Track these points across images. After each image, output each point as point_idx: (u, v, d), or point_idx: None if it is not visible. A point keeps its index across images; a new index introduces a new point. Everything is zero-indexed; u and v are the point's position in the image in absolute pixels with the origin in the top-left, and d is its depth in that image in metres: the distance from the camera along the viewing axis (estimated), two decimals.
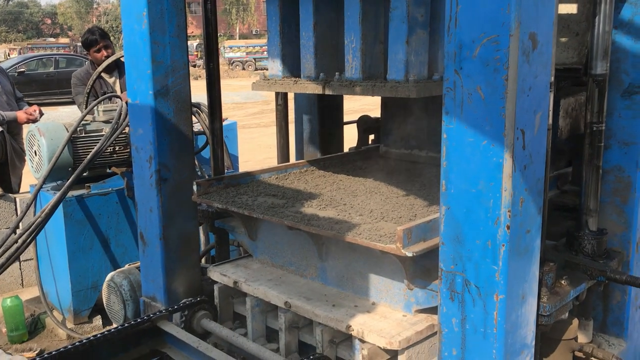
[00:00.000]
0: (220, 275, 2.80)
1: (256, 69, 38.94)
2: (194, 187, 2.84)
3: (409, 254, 2.05)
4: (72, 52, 33.01)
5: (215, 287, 2.82)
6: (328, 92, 2.50)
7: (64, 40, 53.74)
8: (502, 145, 1.67)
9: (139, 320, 2.52)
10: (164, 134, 2.85)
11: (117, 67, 5.35)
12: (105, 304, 3.42)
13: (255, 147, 11.44)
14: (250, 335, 2.65)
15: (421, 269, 2.29)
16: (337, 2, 2.57)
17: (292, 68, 2.80)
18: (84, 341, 2.31)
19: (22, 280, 5.40)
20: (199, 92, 4.14)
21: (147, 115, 2.82)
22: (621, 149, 2.44)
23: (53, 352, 2.20)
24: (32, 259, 4.78)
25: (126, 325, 2.47)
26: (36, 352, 4.33)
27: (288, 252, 2.75)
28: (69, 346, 2.26)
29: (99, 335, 2.36)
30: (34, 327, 4.69)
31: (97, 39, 5.30)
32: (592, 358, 2.27)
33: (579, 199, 2.40)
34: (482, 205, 1.74)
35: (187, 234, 3.01)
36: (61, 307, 4.63)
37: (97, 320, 4.61)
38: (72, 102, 5.82)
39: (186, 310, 2.68)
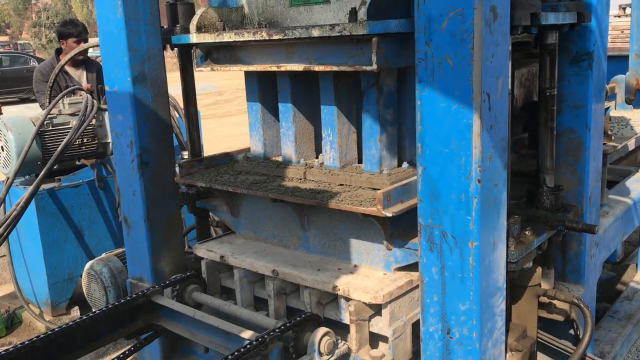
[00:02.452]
0: (207, 251, 2.93)
1: None
2: (177, 169, 2.96)
3: (389, 214, 2.24)
4: (13, 50, 31.90)
5: (202, 263, 2.95)
6: (310, 178, 2.74)
7: (2, 38, 51.78)
8: (471, 107, 1.87)
9: (134, 296, 2.63)
10: (144, 119, 2.94)
11: (83, 63, 5.32)
12: (85, 293, 3.47)
13: (214, 138, 11.44)
14: (240, 305, 2.80)
15: (398, 230, 2.48)
16: (313, 94, 2.81)
17: (273, 148, 3.03)
18: (84, 317, 2.41)
19: None
20: None
21: (126, 101, 2.91)
22: (572, 112, 2.69)
23: (56, 329, 2.30)
24: (5, 255, 4.78)
25: (122, 301, 2.58)
26: None
27: (271, 225, 2.91)
28: (71, 323, 2.36)
29: (97, 312, 2.46)
30: (10, 323, 4.71)
31: (82, 32, 5.27)
32: (555, 300, 2.51)
33: (536, 160, 2.63)
34: (455, 163, 1.93)
35: (171, 215, 3.11)
36: (37, 300, 4.66)
37: (75, 312, 4.66)
38: (19, 102, 5.77)
39: (177, 284, 2.80)
